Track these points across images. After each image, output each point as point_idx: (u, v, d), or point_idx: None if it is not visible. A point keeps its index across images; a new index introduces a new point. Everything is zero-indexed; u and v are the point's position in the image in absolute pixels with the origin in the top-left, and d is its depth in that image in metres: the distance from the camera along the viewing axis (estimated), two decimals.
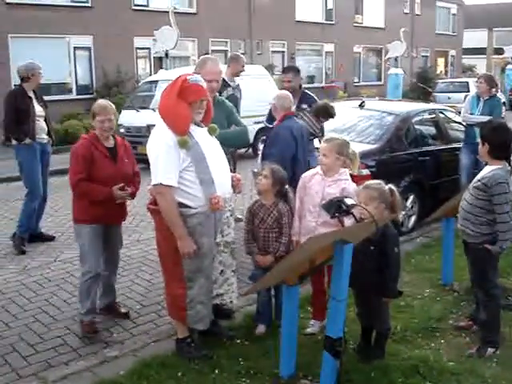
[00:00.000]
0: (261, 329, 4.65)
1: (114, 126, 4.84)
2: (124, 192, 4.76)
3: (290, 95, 5.78)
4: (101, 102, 4.95)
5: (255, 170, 6.65)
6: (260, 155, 5.97)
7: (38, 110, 7.15)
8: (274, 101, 5.71)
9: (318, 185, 4.44)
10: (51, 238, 7.44)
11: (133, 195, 4.90)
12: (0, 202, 9.60)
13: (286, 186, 4.60)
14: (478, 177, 4.31)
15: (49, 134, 7.37)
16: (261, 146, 6.16)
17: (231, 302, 4.78)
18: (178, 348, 4.30)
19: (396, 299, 4.48)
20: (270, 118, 6.67)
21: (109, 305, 5.15)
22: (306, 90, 7.10)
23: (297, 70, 7.05)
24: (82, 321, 4.84)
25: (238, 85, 7.71)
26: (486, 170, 4.28)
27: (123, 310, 5.20)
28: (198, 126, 4.09)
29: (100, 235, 4.78)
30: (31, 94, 7.11)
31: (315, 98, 6.99)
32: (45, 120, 7.28)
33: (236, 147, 6.08)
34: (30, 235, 7.24)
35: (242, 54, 9.37)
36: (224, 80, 6.93)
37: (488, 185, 4.15)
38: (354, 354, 4.26)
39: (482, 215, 4.20)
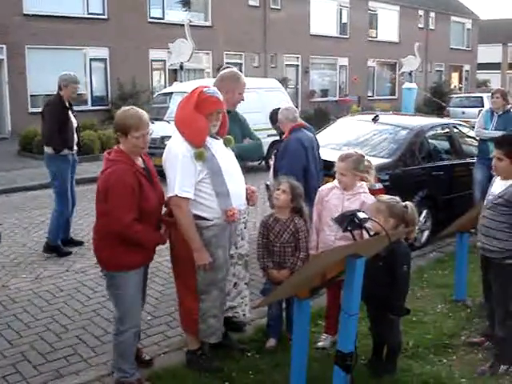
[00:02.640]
0: (271, 342, 4.63)
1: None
2: (166, 232, 4.01)
3: (293, 107, 5.85)
4: (134, 111, 3.81)
5: (268, 183, 6.65)
6: (272, 168, 5.98)
7: (73, 121, 7.31)
8: (280, 115, 5.75)
9: (337, 199, 4.44)
10: (80, 243, 7.57)
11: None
12: (15, 211, 9.66)
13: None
14: (495, 193, 4.27)
15: (78, 143, 7.52)
16: (271, 160, 6.18)
17: (244, 315, 4.75)
18: (188, 360, 4.29)
19: (408, 315, 4.44)
20: None
21: None
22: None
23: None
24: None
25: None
26: (502, 185, 4.25)
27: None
28: (214, 138, 4.10)
29: (142, 279, 4.00)
30: (67, 105, 7.24)
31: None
32: (76, 130, 7.43)
33: (251, 160, 6.09)
34: (61, 241, 7.38)
35: (257, 66, 9.41)
36: None
37: (511, 200, 4.13)
38: (365, 368, 4.23)
39: (509, 230, 4.17)
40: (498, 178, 4.35)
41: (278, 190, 4.43)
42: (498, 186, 4.30)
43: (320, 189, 4.65)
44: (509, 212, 4.15)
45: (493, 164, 4.32)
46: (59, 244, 7.30)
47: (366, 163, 4.49)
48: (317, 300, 4.91)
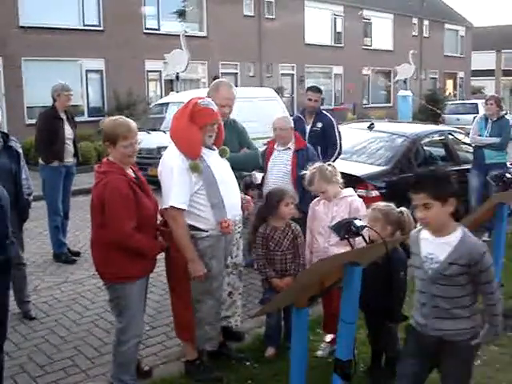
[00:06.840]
0: (270, 351, 4.62)
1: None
2: (163, 241, 4.05)
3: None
4: (122, 120, 3.80)
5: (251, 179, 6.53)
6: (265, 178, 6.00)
7: (68, 132, 7.31)
8: (289, 125, 5.84)
9: (326, 207, 4.48)
10: (77, 254, 7.57)
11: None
12: None
13: None
14: (439, 258, 3.03)
15: (75, 154, 7.51)
16: (258, 175, 6.14)
17: (236, 325, 4.76)
18: (187, 370, 4.29)
19: (405, 321, 4.44)
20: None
21: None
22: (322, 110, 7.16)
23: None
24: None
25: None
26: (440, 245, 3.06)
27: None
28: (210, 148, 4.11)
29: (144, 288, 4.02)
30: (62, 116, 7.27)
31: (330, 116, 7.00)
32: (73, 141, 7.43)
33: (246, 171, 6.03)
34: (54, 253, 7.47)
35: (252, 76, 9.48)
36: None
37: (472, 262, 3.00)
38: (364, 376, 4.23)
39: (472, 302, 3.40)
40: (425, 233, 3.16)
41: (287, 204, 4.45)
42: (431, 246, 3.10)
43: (311, 204, 4.66)
44: (468, 279, 3.05)
45: (417, 217, 3.10)
46: (62, 251, 7.39)
47: (329, 168, 4.47)
48: (315, 308, 4.90)
